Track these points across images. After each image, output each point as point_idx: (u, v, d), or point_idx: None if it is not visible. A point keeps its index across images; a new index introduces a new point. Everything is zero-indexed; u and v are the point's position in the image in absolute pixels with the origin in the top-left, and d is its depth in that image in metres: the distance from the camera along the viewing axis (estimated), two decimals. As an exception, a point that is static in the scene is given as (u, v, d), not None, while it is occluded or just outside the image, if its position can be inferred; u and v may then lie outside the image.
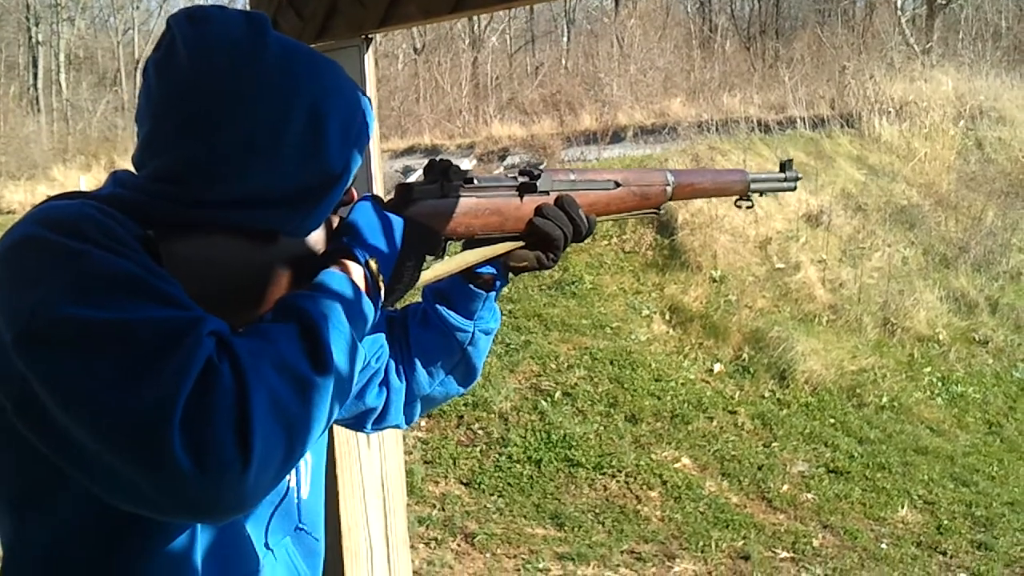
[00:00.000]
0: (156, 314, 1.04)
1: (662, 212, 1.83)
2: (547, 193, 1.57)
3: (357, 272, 1.27)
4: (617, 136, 20.30)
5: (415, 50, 38.68)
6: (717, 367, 8.21)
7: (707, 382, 8.01)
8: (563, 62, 35.81)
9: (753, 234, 10.05)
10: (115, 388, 1.00)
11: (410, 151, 25.53)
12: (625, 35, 30.22)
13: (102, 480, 1.04)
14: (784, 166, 2.03)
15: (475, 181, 1.50)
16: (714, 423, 7.38)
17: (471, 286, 1.60)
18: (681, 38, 31.27)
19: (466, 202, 1.48)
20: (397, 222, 1.37)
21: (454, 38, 37.81)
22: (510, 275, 1.63)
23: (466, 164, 24.63)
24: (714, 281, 9.31)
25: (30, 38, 51.37)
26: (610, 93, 24.50)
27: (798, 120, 14.10)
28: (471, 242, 1.54)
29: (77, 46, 50.22)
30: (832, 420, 7.67)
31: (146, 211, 1.20)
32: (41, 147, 39.85)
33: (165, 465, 0.98)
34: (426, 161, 1.50)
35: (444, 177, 1.46)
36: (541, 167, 1.60)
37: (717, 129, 13.39)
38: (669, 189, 1.78)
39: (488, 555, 5.69)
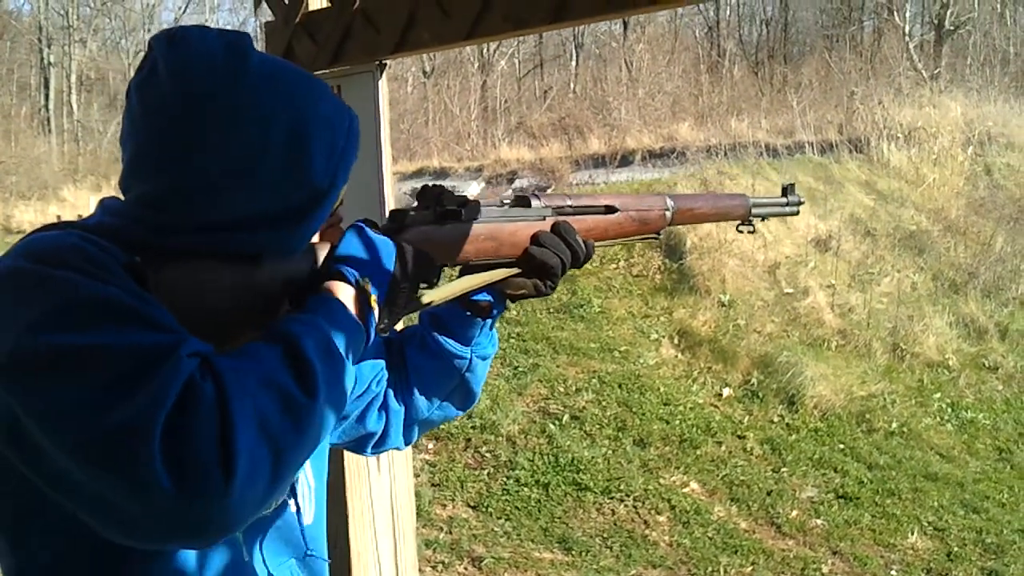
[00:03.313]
0: (136, 338, 1.04)
1: (661, 236, 1.78)
2: (543, 219, 1.55)
3: (347, 293, 1.26)
4: (626, 160, 20.35)
5: (424, 73, 38.88)
6: (726, 392, 8.19)
7: (716, 407, 7.99)
8: (572, 86, 35.93)
9: (762, 259, 10.05)
10: (94, 410, 1.00)
11: (419, 173, 25.62)
12: (634, 59, 30.37)
13: (89, 507, 1.04)
14: (786, 190, 2.01)
15: (468, 206, 1.48)
16: (723, 448, 7.35)
17: (468, 313, 1.59)
18: (689, 62, 31.39)
19: (460, 227, 1.47)
20: (388, 244, 1.35)
21: (463, 62, 38.02)
22: (507, 302, 1.62)
23: (475, 187, 24.71)
24: (723, 305, 9.30)
25: (42, 59, 51.75)
26: (618, 117, 24.60)
27: (806, 145, 14.13)
28: (467, 268, 1.52)
29: (88, 68, 50.59)
30: (841, 445, 7.64)
31: (130, 237, 1.19)
32: (52, 167, 40.07)
33: (147, 484, 0.97)
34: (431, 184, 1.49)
35: (437, 203, 1.44)
36: (539, 191, 1.59)
37: (726, 154, 13.43)
38: (668, 214, 1.76)
39: (495, 579, 5.67)
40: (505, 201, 1.55)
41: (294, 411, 1.08)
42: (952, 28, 26.20)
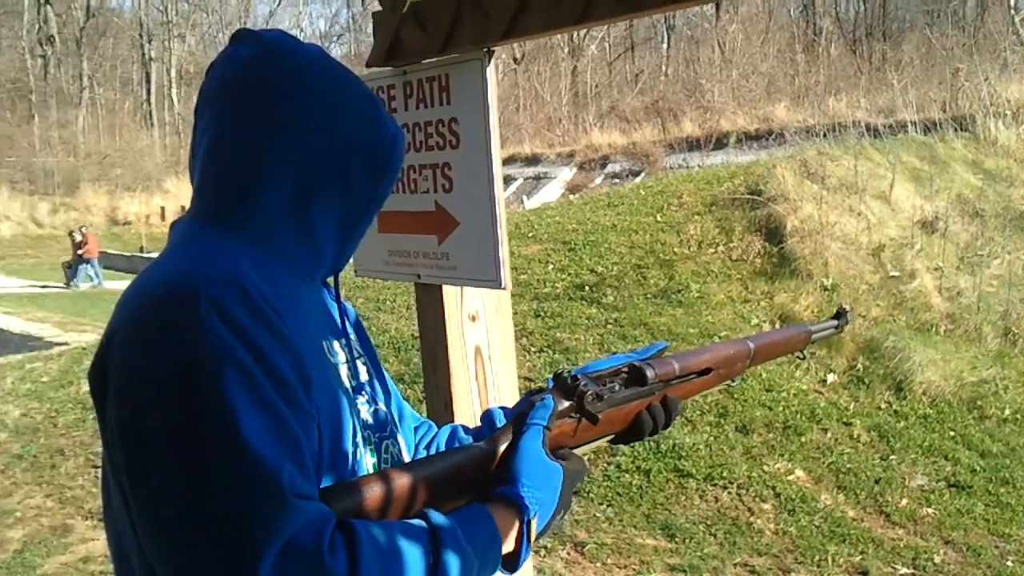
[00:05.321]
0: (252, 450, 1.04)
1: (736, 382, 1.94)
2: (653, 394, 1.61)
3: (514, 530, 1.28)
4: (720, 143, 20.13)
5: (515, 60, 38.91)
6: (831, 377, 8.02)
7: (820, 393, 7.84)
8: (663, 68, 35.61)
9: (865, 241, 9.81)
10: (194, 514, 1.03)
11: (510, 160, 25.69)
12: (727, 40, 29.95)
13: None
14: (839, 314, 2.26)
15: (602, 399, 1.51)
16: (828, 435, 7.21)
17: None
18: (784, 42, 30.86)
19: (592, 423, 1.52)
20: (557, 472, 1.37)
21: (553, 47, 37.96)
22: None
23: (567, 172, 24.67)
24: (825, 289, 9.11)
25: (143, 55, 53.33)
26: (712, 99, 24.31)
27: (909, 124, 13.75)
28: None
29: (188, 62, 51.95)
30: (952, 433, 7.42)
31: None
32: (155, 160, 41.33)
33: None
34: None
35: (579, 399, 1.47)
36: (649, 360, 1.63)
37: (825, 135, 13.13)
38: (748, 360, 1.87)
39: (598, 564, 5.66)
40: (623, 370, 1.59)
41: None
42: (1062, -1, 25.18)
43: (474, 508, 1.26)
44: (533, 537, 1.29)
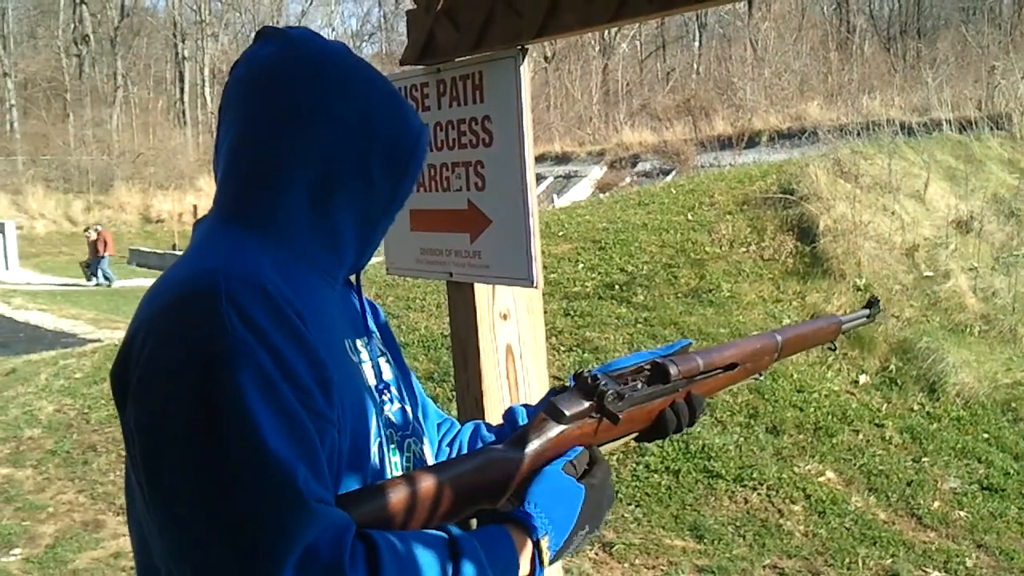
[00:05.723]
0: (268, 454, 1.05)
1: (762, 377, 1.86)
2: (677, 391, 1.58)
3: (526, 547, 1.27)
4: (752, 141, 20.03)
5: (545, 58, 38.88)
6: (863, 378, 7.95)
7: (852, 394, 7.77)
8: (695, 67, 35.47)
9: (899, 241, 9.72)
10: (211, 515, 1.03)
11: (541, 159, 25.68)
12: (759, 38, 29.79)
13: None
14: (870, 303, 2.16)
15: (623, 398, 1.48)
16: (860, 436, 7.15)
17: None
18: (817, 40, 30.64)
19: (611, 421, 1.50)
20: (576, 491, 1.36)
21: (584, 46, 37.91)
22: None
23: (597, 171, 24.63)
24: (858, 289, 9.03)
25: (176, 54, 53.80)
26: (744, 97, 24.18)
27: (944, 122, 13.62)
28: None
29: (220, 61, 52.31)
30: (986, 435, 7.34)
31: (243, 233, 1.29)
32: (187, 158, 41.70)
33: None
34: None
35: (599, 399, 1.44)
36: (675, 359, 1.60)
37: (859, 133, 13.03)
38: (776, 353, 1.83)
39: (626, 565, 5.64)
40: (645, 368, 1.57)
41: None
42: (1101, -4, 24.83)
43: (491, 528, 1.26)
44: (547, 558, 1.29)
